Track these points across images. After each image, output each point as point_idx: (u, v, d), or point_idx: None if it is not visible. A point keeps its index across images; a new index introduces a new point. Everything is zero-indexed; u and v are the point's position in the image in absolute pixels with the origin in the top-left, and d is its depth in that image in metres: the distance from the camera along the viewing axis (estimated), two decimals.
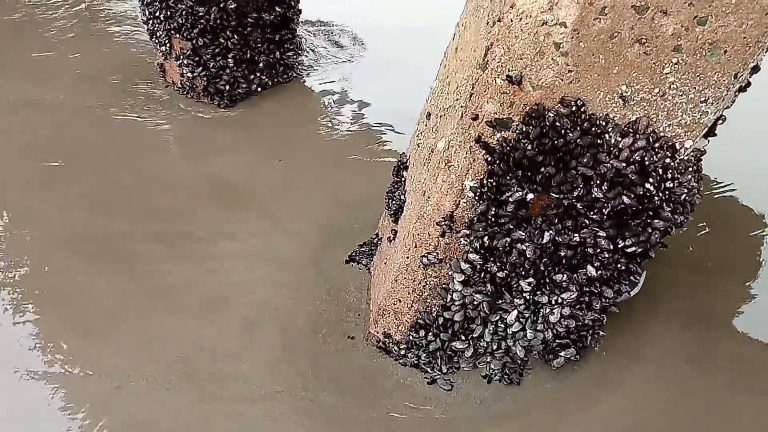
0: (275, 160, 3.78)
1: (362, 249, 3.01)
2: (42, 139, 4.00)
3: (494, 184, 1.94)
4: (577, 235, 1.97)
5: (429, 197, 2.18)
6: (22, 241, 3.25)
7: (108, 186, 3.58)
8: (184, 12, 3.97)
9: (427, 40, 4.86)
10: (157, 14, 4.13)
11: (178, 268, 3.10)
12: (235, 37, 4.16)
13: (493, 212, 1.98)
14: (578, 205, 1.90)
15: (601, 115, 1.79)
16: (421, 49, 4.76)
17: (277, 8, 4.27)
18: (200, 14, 3.97)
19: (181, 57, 4.21)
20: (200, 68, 4.20)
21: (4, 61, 4.92)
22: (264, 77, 4.45)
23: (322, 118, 4.20)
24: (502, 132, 1.88)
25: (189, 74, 4.25)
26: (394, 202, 2.55)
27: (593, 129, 1.80)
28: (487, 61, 1.83)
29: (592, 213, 1.91)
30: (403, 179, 2.57)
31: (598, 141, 1.81)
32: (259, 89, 4.47)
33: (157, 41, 4.36)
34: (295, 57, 4.60)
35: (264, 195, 3.52)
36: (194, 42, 4.09)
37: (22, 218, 3.38)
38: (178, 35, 4.13)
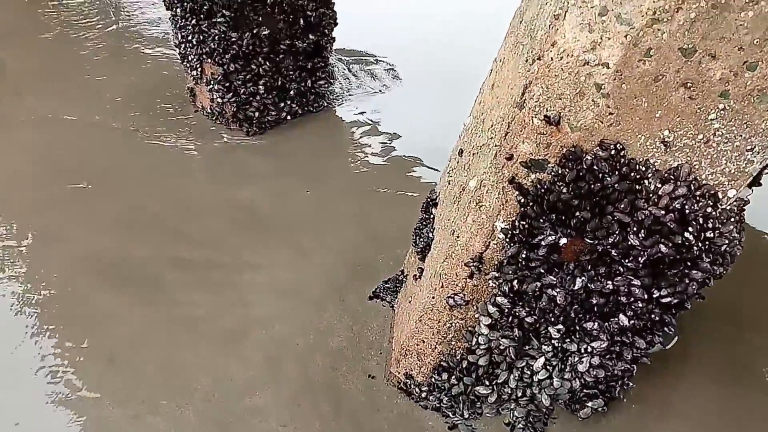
0: (303, 191, 3.75)
1: (387, 285, 2.94)
2: (71, 159, 4.03)
3: (526, 226, 1.87)
4: (610, 282, 1.88)
5: (458, 237, 2.11)
6: (47, 262, 3.25)
7: (135, 209, 3.58)
8: (216, 37, 4.00)
9: (461, 74, 4.85)
10: (190, 38, 4.17)
11: (201, 297, 3.06)
12: (267, 63, 4.18)
13: (524, 255, 1.91)
14: (613, 251, 1.82)
15: (641, 159, 1.72)
16: (455, 82, 4.76)
17: (310, 36, 4.29)
18: (233, 40, 4.00)
19: (212, 82, 4.24)
20: (230, 94, 4.22)
21: (37, 78, 5.01)
22: (294, 105, 4.46)
23: (351, 150, 4.17)
24: (537, 173, 1.82)
25: (219, 99, 4.27)
26: (421, 239, 2.49)
27: (632, 174, 1.72)
28: (525, 99, 1.78)
29: (627, 260, 1.83)
30: (431, 216, 2.51)
31: (637, 187, 1.74)
32: (289, 117, 4.47)
33: (188, 65, 4.39)
34: (326, 86, 4.60)
35: (291, 225, 3.48)
36: (226, 67, 4.11)
37: (48, 238, 3.39)
38: (209, 60, 4.16)
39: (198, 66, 4.30)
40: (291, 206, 3.64)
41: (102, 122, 4.47)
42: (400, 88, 4.79)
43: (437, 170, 3.93)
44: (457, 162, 2.38)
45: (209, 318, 2.98)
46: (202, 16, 3.98)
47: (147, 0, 6.37)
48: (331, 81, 4.69)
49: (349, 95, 4.73)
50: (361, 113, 4.55)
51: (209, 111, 4.48)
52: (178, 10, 4.09)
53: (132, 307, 3.00)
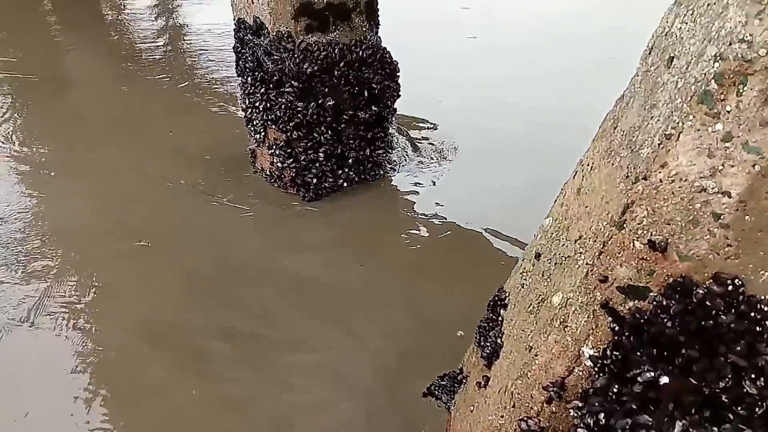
0: (357, 265, 3.62)
1: (443, 383, 2.74)
2: (136, 213, 4.05)
3: (620, 357, 1.67)
4: (716, 429, 1.65)
5: (536, 355, 1.92)
6: (103, 323, 3.19)
7: (191, 274, 3.52)
8: (283, 106, 3.98)
9: (522, 148, 4.72)
10: (257, 105, 4.17)
11: (247, 375, 2.93)
12: (329, 132, 4.13)
13: (615, 389, 1.70)
14: (723, 396, 1.60)
15: (762, 298, 1.52)
16: (516, 156, 4.62)
17: (374, 107, 4.24)
18: (298, 109, 3.97)
19: (274, 147, 4.21)
20: (291, 160, 4.17)
21: (111, 129, 5.11)
22: (352, 173, 4.38)
23: (407, 222, 4.04)
24: (636, 301, 1.63)
25: (279, 164, 4.23)
26: (488, 343, 2.29)
27: (752, 314, 1.52)
28: (625, 219, 1.61)
29: (739, 408, 1.60)
30: (500, 319, 2.32)
31: (757, 328, 1.53)
32: (346, 184, 4.39)
33: (252, 129, 4.39)
34: (384, 155, 4.52)
35: (342, 302, 3.34)
36: (289, 134, 4.08)
37: (107, 298, 3.37)
38: (273, 126, 4.13)
39: (262, 130, 4.29)
40: (343, 280, 3.50)
41: (167, 176, 4.50)
42: (459, 159, 4.67)
43: (498, 249, 3.75)
44: (533, 265, 2.20)
45: (253, 401, 2.83)
46: (271, 85, 3.98)
47: (218, 60, 6.50)
48: (390, 150, 4.61)
49: (407, 164, 4.63)
50: (419, 184, 4.43)
51: (268, 173, 4.44)
52: (249, 78, 4.11)
53: (179, 381, 2.89)
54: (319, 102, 4.00)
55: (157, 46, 7.13)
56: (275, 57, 3.88)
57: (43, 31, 7.72)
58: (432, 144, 4.88)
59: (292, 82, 3.89)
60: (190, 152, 4.80)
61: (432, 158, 4.71)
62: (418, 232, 3.91)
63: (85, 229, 3.86)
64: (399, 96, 4.36)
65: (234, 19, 4.25)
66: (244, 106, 4.38)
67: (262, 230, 3.91)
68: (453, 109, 5.39)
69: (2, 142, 5.05)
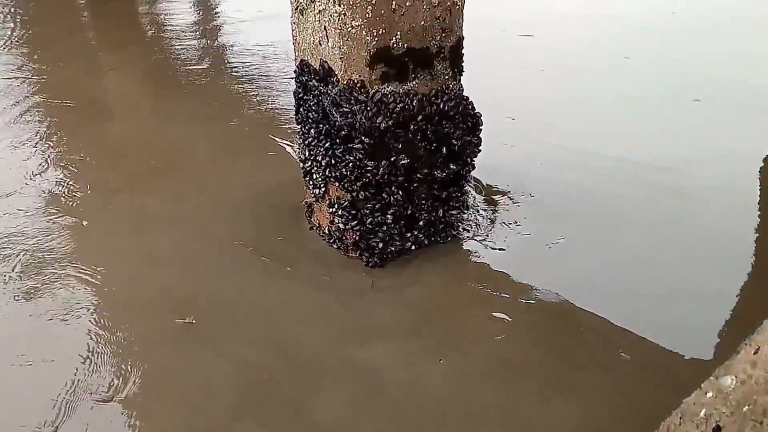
0: (435, 359, 3.09)
1: None
2: (180, 282, 3.57)
3: None
4: None
5: None
6: (132, 425, 2.71)
7: (241, 364, 3.03)
8: (350, 164, 3.47)
9: (614, 215, 4.14)
10: (319, 158, 3.68)
11: None
12: (400, 193, 3.62)
13: None
14: None
15: None
16: (610, 224, 4.04)
17: (451, 165, 3.71)
18: (368, 168, 3.46)
19: (336, 206, 3.71)
20: (355, 222, 3.67)
21: (149, 170, 4.68)
22: (421, 235, 3.87)
23: (487, 302, 3.49)
24: None
25: (341, 225, 3.73)
26: None
27: None
28: None
29: None
30: None
31: None
32: (414, 247, 3.87)
33: (311, 182, 3.90)
34: (458, 215, 3.99)
35: (422, 413, 2.81)
36: (354, 195, 3.57)
37: (149, 393, 2.88)
38: (337, 184, 3.63)
39: (322, 186, 3.80)
40: (421, 382, 2.97)
41: (214, 231, 4.04)
42: (543, 222, 4.10)
43: (598, 345, 3.18)
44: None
45: None
46: (337, 140, 3.49)
47: (267, 87, 6.07)
48: (464, 210, 4.08)
49: (482, 225, 4.09)
50: (497, 250, 3.88)
51: (326, 232, 3.95)
52: (312, 130, 3.62)
53: None
54: (392, 160, 3.49)
55: (201, 70, 6.71)
56: (345, 109, 3.38)
57: (84, 52, 7.37)
58: (510, 199, 4.32)
59: (363, 138, 3.38)
60: (239, 200, 4.33)
61: (510, 218, 4.16)
62: (501, 315, 3.36)
63: (121, 299, 3.40)
64: (480, 151, 3.83)
65: (296, 60, 3.76)
66: (302, 157, 3.89)
67: (323, 308, 3.39)
68: (529, 157, 4.84)
69: (30, 179, 4.64)
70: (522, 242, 3.93)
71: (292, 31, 3.67)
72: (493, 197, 4.31)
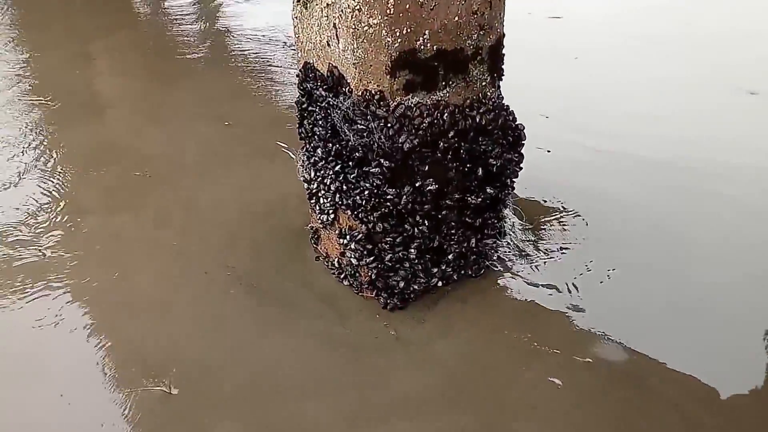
0: None
1: None
2: (153, 329, 2.96)
3: None
4: None
5: None
6: None
7: None
8: (366, 192, 2.82)
9: (688, 245, 3.48)
10: (327, 182, 3.03)
11: None
12: (426, 222, 2.98)
13: None
14: None
15: None
16: (678, 257, 3.39)
17: (488, 189, 3.07)
18: (388, 197, 2.81)
19: (348, 237, 3.07)
20: (371, 258, 3.04)
21: (135, 183, 4.06)
22: (449, 269, 3.24)
23: (534, 357, 2.87)
24: None
25: (354, 261, 3.09)
26: None
27: None
28: None
29: None
30: None
31: None
32: (441, 283, 3.24)
33: (317, 206, 3.26)
34: (493, 243, 3.35)
35: None
36: (371, 227, 2.93)
37: None
38: (349, 212, 2.99)
39: (331, 212, 3.17)
40: None
41: (203, 258, 3.43)
42: (594, 247, 3.46)
43: (684, 405, 2.57)
44: None
45: None
46: (350, 163, 2.83)
47: (274, 81, 5.38)
48: (500, 238, 3.44)
49: (521, 254, 3.45)
50: (541, 286, 3.25)
51: (336, 265, 3.32)
52: (318, 149, 2.97)
53: None
54: (417, 186, 2.84)
55: (195, 59, 6.01)
56: (359, 126, 2.72)
57: (70, 38, 6.67)
58: (552, 219, 3.68)
59: (382, 161, 2.73)
60: (232, 222, 3.71)
61: (553, 242, 3.52)
62: (553, 379, 2.74)
63: (82, 359, 2.78)
64: (521, 170, 3.18)
65: (299, 62, 3.09)
66: (307, 177, 3.25)
67: (334, 372, 2.77)
68: (570, 164, 4.18)
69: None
70: (569, 274, 3.30)
71: (294, 27, 2.99)
72: (533, 217, 3.65)
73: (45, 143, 4.60)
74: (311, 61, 2.96)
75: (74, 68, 5.93)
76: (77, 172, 4.22)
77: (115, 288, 3.23)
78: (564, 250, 3.47)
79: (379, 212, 2.89)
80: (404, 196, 2.84)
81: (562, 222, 3.66)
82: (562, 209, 3.75)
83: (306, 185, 3.32)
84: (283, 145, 4.52)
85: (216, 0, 7.51)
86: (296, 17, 2.95)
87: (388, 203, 2.85)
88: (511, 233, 3.54)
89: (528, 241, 3.52)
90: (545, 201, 3.82)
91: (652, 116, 4.71)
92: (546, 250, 3.47)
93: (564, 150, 4.33)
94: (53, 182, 4.12)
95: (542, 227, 3.61)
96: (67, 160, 4.38)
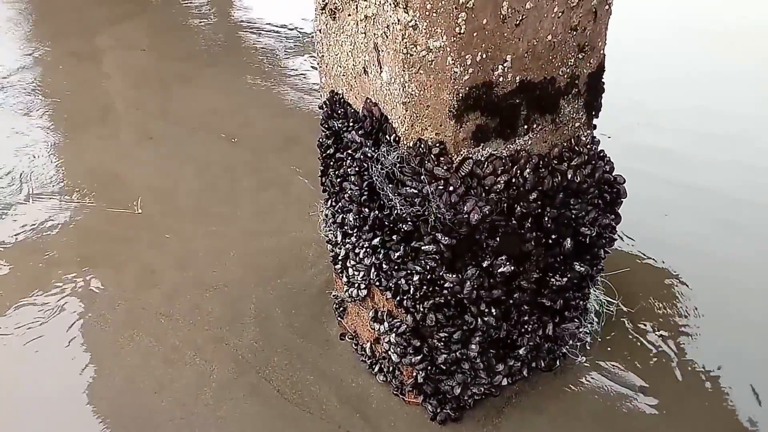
0: None
1: None
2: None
3: None
4: None
5: None
6: None
7: None
8: (415, 276, 2.03)
9: None
10: (359, 254, 2.23)
11: None
12: (494, 312, 2.17)
13: None
14: None
15: None
16: None
17: (577, 267, 2.26)
18: (446, 284, 2.01)
19: (387, 325, 2.29)
20: (419, 356, 2.25)
21: (119, 242, 3.29)
22: (518, 363, 2.44)
23: None
24: None
25: (395, 357, 2.30)
26: None
27: None
28: None
29: None
30: None
31: None
32: (506, 382, 2.45)
33: (344, 275, 2.47)
34: (575, 328, 2.54)
35: None
36: (420, 318, 2.14)
37: None
38: (389, 295, 2.20)
39: (363, 287, 2.38)
40: None
41: (189, 345, 2.67)
42: (699, 328, 2.66)
43: None
44: None
45: None
46: (394, 237, 2.03)
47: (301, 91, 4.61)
48: (582, 321, 2.63)
49: (605, 337, 2.66)
50: (636, 388, 2.45)
51: (367, 352, 2.55)
52: (349, 213, 2.17)
53: None
54: (484, 266, 2.04)
55: (207, 57, 5.21)
56: (409, 190, 1.91)
57: (77, 30, 5.89)
58: (641, 288, 2.87)
59: (440, 236, 1.93)
60: (233, 282, 2.97)
61: (646, 321, 2.72)
62: None
63: None
64: (616, 238, 2.37)
65: (322, 90, 2.29)
66: (330, 237, 2.46)
67: None
68: (651, 205, 3.38)
69: None
70: (668, 367, 2.48)
71: (317, 43, 2.19)
72: (614, 286, 2.83)
73: (13, 169, 3.84)
74: (341, 92, 2.15)
75: (63, 69, 5.16)
76: (45, 209, 3.45)
77: (68, 394, 2.46)
78: (659, 331, 2.67)
79: (432, 301, 2.10)
80: (467, 282, 2.04)
81: (652, 291, 2.85)
82: (650, 272, 2.94)
83: (330, 247, 2.54)
84: (299, 170, 3.73)
85: None
86: (320, 30, 2.14)
87: (446, 291, 2.06)
88: (593, 305, 2.72)
89: (611, 319, 2.71)
90: (632, 261, 3.00)
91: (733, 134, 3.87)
92: (635, 331, 2.67)
93: (641, 186, 3.48)
94: (9, 223, 3.36)
95: (629, 300, 2.79)
96: (39, 188, 3.62)
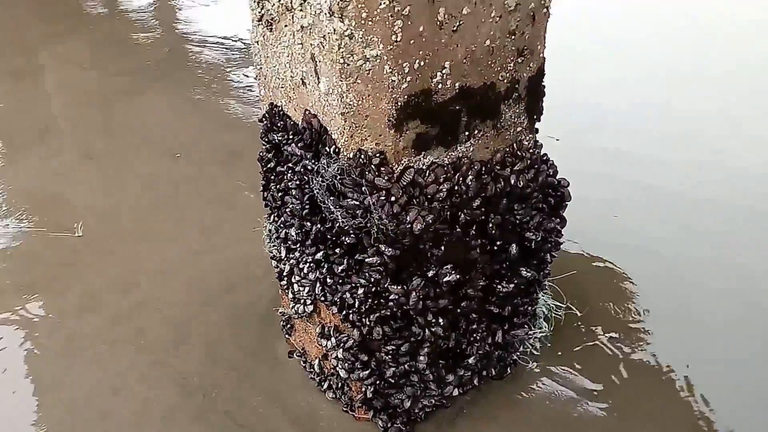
0: None
1: None
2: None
3: None
4: None
5: None
6: None
7: None
8: (360, 289, 1.98)
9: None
10: (304, 269, 2.18)
11: None
12: (441, 321, 2.15)
13: None
14: None
15: None
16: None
17: (523, 272, 2.25)
18: (391, 296, 1.98)
19: (335, 341, 2.24)
20: (367, 372, 2.20)
21: (60, 264, 3.14)
22: (468, 373, 2.42)
23: None
24: None
25: (342, 373, 2.24)
26: None
27: None
28: None
29: None
30: None
31: None
32: (457, 392, 2.42)
33: (290, 293, 2.42)
34: (524, 334, 2.54)
35: None
36: (366, 332, 2.09)
37: None
38: (335, 310, 2.15)
39: (309, 303, 2.32)
40: None
41: (134, 369, 2.55)
42: (657, 327, 2.69)
43: None
44: None
45: None
46: (337, 250, 1.99)
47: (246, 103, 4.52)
48: (532, 325, 2.63)
49: (556, 341, 2.66)
50: (590, 393, 2.45)
51: (315, 369, 2.48)
52: (291, 227, 2.12)
53: None
54: (430, 276, 2.01)
55: (151, 71, 5.07)
56: (351, 201, 1.87)
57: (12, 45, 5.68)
58: (592, 290, 2.89)
59: (383, 248, 1.89)
60: (179, 303, 2.87)
61: (596, 324, 2.74)
62: None
63: None
64: (562, 242, 2.38)
65: (261, 102, 2.24)
66: (274, 252, 2.41)
67: None
68: (599, 205, 3.41)
69: None
70: (619, 369, 2.50)
71: (255, 54, 2.14)
72: (563, 289, 2.85)
73: None
74: (280, 104, 2.11)
75: (2, 89, 4.96)
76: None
77: (18, 422, 2.33)
78: (613, 334, 2.68)
79: (378, 314, 2.06)
80: (413, 293, 2.01)
81: (602, 294, 2.87)
82: (601, 274, 2.97)
83: (274, 263, 2.47)
84: (244, 185, 3.65)
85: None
86: (257, 42, 2.09)
87: (391, 303, 2.02)
88: (542, 310, 2.73)
89: (560, 321, 2.72)
90: (583, 264, 3.02)
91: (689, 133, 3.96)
92: (587, 332, 2.68)
93: (588, 186, 3.52)
94: None
95: (578, 301, 2.81)
96: None
